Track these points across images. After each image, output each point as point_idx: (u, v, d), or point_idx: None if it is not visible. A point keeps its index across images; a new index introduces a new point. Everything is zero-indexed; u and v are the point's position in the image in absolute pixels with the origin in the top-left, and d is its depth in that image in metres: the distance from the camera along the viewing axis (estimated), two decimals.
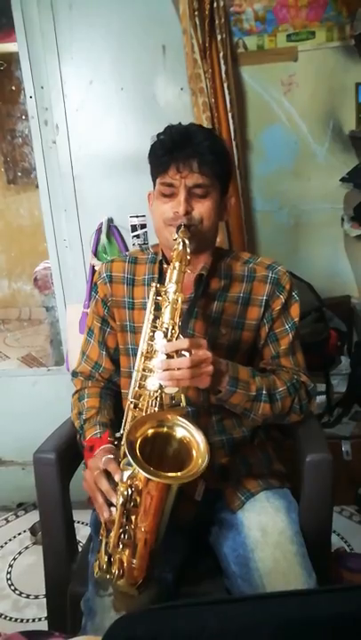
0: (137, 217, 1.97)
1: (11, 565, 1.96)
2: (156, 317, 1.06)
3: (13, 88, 2.37)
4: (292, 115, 1.98)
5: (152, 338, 1.05)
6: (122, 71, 1.89)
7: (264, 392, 1.13)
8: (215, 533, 1.19)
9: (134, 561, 0.94)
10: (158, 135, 1.17)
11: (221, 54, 1.81)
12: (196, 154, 1.10)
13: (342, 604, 0.73)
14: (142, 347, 1.07)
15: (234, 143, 1.86)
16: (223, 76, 1.82)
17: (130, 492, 0.93)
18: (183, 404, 1.02)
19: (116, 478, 0.98)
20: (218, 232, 1.25)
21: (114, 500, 0.98)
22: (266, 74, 1.94)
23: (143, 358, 1.06)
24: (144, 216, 1.96)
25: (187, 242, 1.08)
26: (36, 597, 1.80)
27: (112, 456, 1.05)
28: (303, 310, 1.27)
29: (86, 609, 1.05)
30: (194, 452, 0.93)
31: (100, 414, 1.22)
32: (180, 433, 0.97)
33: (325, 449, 1.19)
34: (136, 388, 1.06)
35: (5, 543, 2.08)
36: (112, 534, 0.97)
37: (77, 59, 1.88)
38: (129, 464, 0.97)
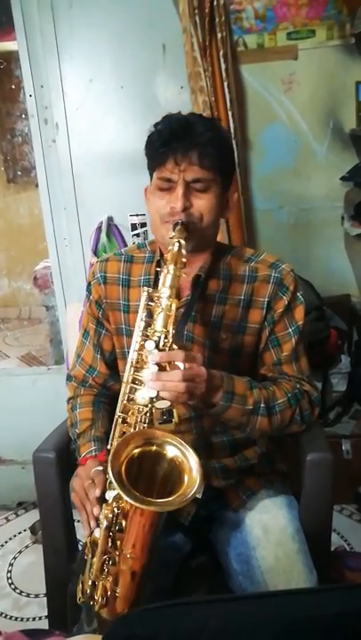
0: (137, 215, 1.97)
1: (11, 564, 1.96)
2: (148, 325, 0.98)
3: (13, 87, 2.37)
4: (292, 113, 1.98)
5: (142, 347, 0.97)
6: (122, 70, 1.89)
7: (262, 405, 1.07)
8: (216, 531, 1.18)
9: (118, 590, 0.88)
10: (155, 125, 1.08)
11: (221, 53, 1.81)
12: (197, 145, 1.02)
13: (344, 604, 0.73)
14: (132, 356, 0.99)
15: (234, 142, 1.85)
16: (223, 74, 1.82)
17: (115, 515, 0.87)
18: (175, 419, 0.93)
19: (97, 493, 0.94)
20: (218, 230, 1.17)
21: (95, 511, 0.94)
22: (266, 72, 1.94)
23: (133, 369, 0.99)
24: (144, 214, 1.96)
25: (182, 242, 0.99)
26: (37, 596, 1.80)
27: (101, 468, 1.01)
28: (305, 319, 1.19)
29: (85, 605, 1.05)
30: (185, 476, 0.87)
31: (94, 428, 1.16)
32: (171, 452, 0.90)
33: (326, 448, 1.18)
34: (125, 402, 0.99)
35: (6, 542, 2.08)
36: (95, 560, 0.91)
37: (77, 57, 1.88)
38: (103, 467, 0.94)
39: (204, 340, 1.13)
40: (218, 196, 1.08)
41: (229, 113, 1.84)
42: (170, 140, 1.03)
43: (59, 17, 1.84)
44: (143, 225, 1.98)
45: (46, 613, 1.34)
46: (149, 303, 1.00)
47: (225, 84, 1.82)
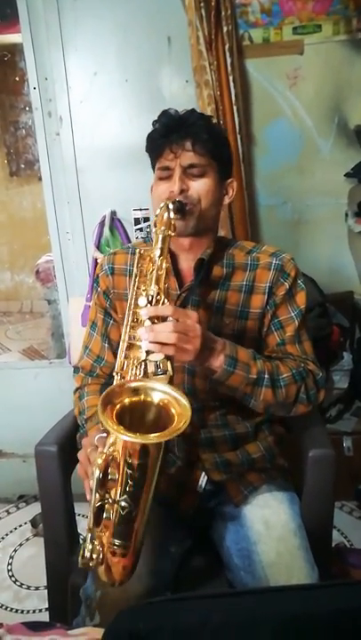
0: (140, 210, 1.96)
1: (12, 557, 1.97)
2: (141, 284, 1.02)
3: (17, 79, 2.36)
4: (297, 109, 1.97)
5: (137, 306, 0.99)
6: (126, 63, 1.87)
7: (266, 376, 1.08)
8: (217, 526, 1.19)
9: (116, 542, 0.86)
10: (153, 123, 1.16)
11: (227, 46, 1.79)
12: (190, 133, 1.10)
13: (344, 600, 0.73)
14: (127, 315, 1.01)
15: (238, 137, 1.85)
16: (229, 68, 1.81)
17: (107, 463, 0.85)
18: (170, 372, 0.93)
19: (100, 450, 0.92)
20: (219, 216, 1.21)
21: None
22: (271, 67, 1.93)
23: (129, 327, 1.01)
24: (147, 209, 1.95)
25: (170, 206, 1.04)
26: (37, 589, 1.81)
27: (105, 434, 1.00)
28: (307, 306, 1.23)
29: (84, 597, 1.06)
30: (173, 410, 0.85)
31: None
32: (157, 397, 0.88)
33: (328, 444, 1.19)
34: (122, 359, 0.99)
35: (6, 535, 2.09)
36: (89, 513, 0.87)
37: (82, 50, 1.87)
38: (105, 431, 0.91)
39: (207, 324, 1.15)
40: (215, 181, 1.14)
41: (234, 107, 1.83)
42: (166, 133, 1.12)
43: (63, 9, 1.83)
44: (146, 219, 1.98)
45: (46, 606, 1.35)
46: (142, 263, 1.05)
47: (230, 78, 1.81)
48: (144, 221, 1.98)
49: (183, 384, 1.17)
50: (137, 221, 1.98)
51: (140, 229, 1.99)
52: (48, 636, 0.80)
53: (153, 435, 0.81)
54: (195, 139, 1.10)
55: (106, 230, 1.97)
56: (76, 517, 1.34)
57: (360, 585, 0.76)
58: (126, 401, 0.87)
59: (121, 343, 1.01)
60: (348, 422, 2.08)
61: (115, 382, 0.99)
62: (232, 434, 1.20)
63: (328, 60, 1.91)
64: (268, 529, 1.08)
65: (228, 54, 1.80)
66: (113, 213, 1.97)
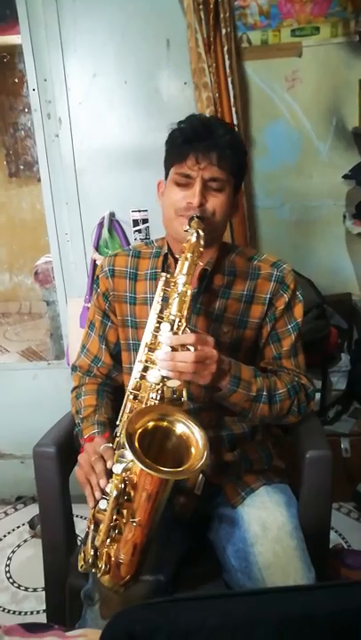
0: (139, 211, 1.97)
1: (9, 558, 1.97)
2: (163, 309, 1.04)
3: (16, 81, 2.36)
4: (295, 111, 1.97)
5: (157, 329, 1.02)
6: (125, 65, 1.88)
7: (264, 393, 1.11)
8: (215, 528, 1.19)
9: (122, 556, 0.93)
10: (179, 123, 1.14)
11: (226, 48, 1.80)
12: (217, 147, 1.08)
13: (342, 601, 0.73)
14: (147, 337, 1.04)
15: None
16: (227, 70, 1.81)
17: (124, 486, 0.91)
18: (185, 398, 1.00)
19: (108, 465, 0.97)
20: (225, 228, 1.23)
21: (102, 483, 0.97)
22: (269, 69, 1.93)
23: (147, 349, 1.04)
24: (146, 210, 1.96)
25: (201, 233, 1.05)
26: (35, 590, 1.81)
27: (111, 445, 1.05)
28: (304, 307, 1.25)
29: (86, 599, 1.06)
30: (193, 450, 0.92)
31: (98, 412, 1.20)
32: (179, 429, 0.95)
33: (325, 445, 1.19)
34: (137, 379, 1.04)
35: (4, 536, 2.09)
36: (102, 527, 0.95)
37: (81, 51, 1.87)
38: (123, 456, 0.96)
39: (205, 332, 1.15)
40: (230, 196, 1.14)
41: (233, 109, 1.84)
42: (192, 139, 1.09)
43: (63, 11, 1.83)
44: (145, 221, 1.98)
45: (44, 607, 1.35)
46: (166, 288, 1.05)
47: (229, 80, 1.81)
48: (143, 223, 1.98)
49: (174, 392, 1.18)
50: (135, 223, 1.99)
51: (139, 231, 1.99)
52: (46, 638, 0.81)
53: (171, 470, 0.87)
54: (221, 153, 1.08)
55: (104, 232, 1.97)
56: (74, 519, 1.34)
57: (358, 586, 0.76)
58: (150, 425, 0.94)
59: (137, 363, 1.05)
60: (346, 424, 2.08)
61: (127, 399, 1.06)
62: (229, 435, 1.20)
63: (326, 63, 1.92)
64: (265, 530, 1.09)
65: (226, 56, 1.81)
66: (112, 215, 1.98)
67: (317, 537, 1.17)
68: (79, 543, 1.34)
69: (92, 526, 1.00)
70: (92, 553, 0.95)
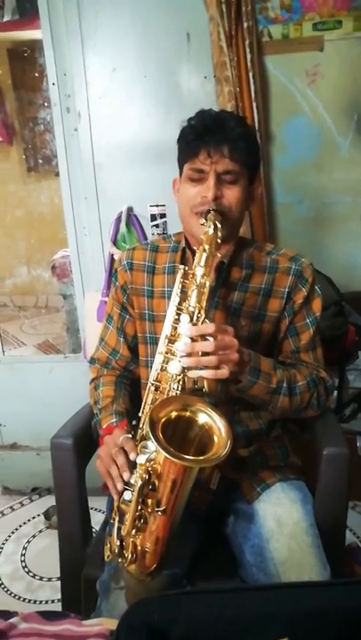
0: (157, 206, 1.97)
1: (25, 548, 2.00)
2: (182, 301, 1.04)
3: (36, 75, 2.37)
4: (315, 106, 1.95)
5: (177, 321, 1.03)
6: (145, 59, 1.88)
7: (284, 385, 1.11)
8: (230, 523, 1.19)
9: (148, 545, 0.94)
10: (189, 120, 1.15)
11: (247, 42, 1.78)
12: (228, 140, 1.08)
13: (356, 597, 0.73)
14: (167, 329, 1.05)
15: (258, 134, 1.84)
16: (248, 64, 1.80)
17: (148, 476, 0.92)
18: (206, 389, 1.00)
19: (132, 457, 0.98)
20: (243, 221, 1.22)
21: (126, 476, 0.98)
22: (290, 64, 1.91)
23: (167, 341, 1.04)
24: (164, 205, 1.96)
25: (218, 225, 1.06)
26: (50, 580, 1.83)
27: (130, 435, 1.05)
28: (323, 304, 1.25)
29: (102, 590, 1.07)
30: (215, 439, 0.92)
31: (116, 403, 1.22)
32: (202, 419, 0.95)
33: (343, 443, 1.18)
34: (158, 371, 1.05)
35: (20, 526, 2.11)
36: (127, 517, 0.96)
37: (101, 46, 1.87)
38: (146, 447, 0.97)
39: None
40: (245, 188, 1.14)
41: (254, 104, 1.83)
42: (203, 134, 1.09)
43: (83, 5, 1.83)
44: (163, 216, 1.98)
45: (58, 597, 1.36)
46: (184, 280, 1.05)
47: (250, 74, 1.80)
48: (160, 218, 1.98)
49: (195, 382, 1.18)
50: (153, 217, 1.99)
51: (157, 225, 1.99)
52: (62, 626, 0.81)
53: (194, 458, 0.88)
54: (232, 146, 1.09)
55: (122, 226, 1.98)
56: (90, 511, 1.35)
57: None
58: (173, 414, 0.94)
59: (157, 355, 1.06)
60: None
61: (148, 391, 1.06)
62: (245, 430, 1.20)
63: (348, 57, 1.89)
64: (281, 526, 1.09)
65: (248, 50, 1.79)
66: (130, 209, 1.98)
67: (333, 534, 1.17)
68: (94, 535, 1.35)
69: (116, 517, 1.01)
70: (118, 543, 0.96)
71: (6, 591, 1.80)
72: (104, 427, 1.17)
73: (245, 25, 1.78)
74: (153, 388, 1.06)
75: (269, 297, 1.19)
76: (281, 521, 1.09)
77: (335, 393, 2.00)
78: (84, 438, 1.28)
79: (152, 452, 0.93)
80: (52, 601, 1.74)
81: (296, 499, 1.14)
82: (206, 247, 1.04)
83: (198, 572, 1.14)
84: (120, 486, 0.98)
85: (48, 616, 0.84)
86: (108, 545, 1.00)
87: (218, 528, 1.22)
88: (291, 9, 1.88)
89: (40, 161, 3.26)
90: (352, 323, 1.99)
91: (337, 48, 1.89)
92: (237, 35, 1.78)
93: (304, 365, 1.21)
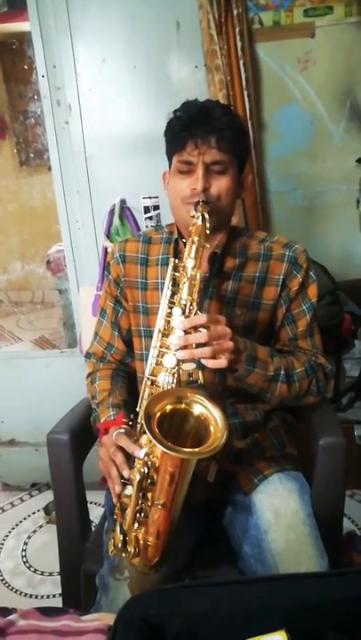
0: (150, 198, 1.95)
1: (25, 543, 2.00)
2: (174, 294, 1.03)
3: (25, 67, 2.35)
4: (307, 93, 1.93)
5: (169, 314, 1.03)
6: (135, 49, 1.85)
7: (282, 372, 1.11)
8: (228, 515, 1.19)
9: (150, 539, 0.94)
10: (175, 112, 1.13)
11: (237, 30, 1.76)
12: (215, 130, 1.08)
13: (354, 587, 0.73)
14: (160, 323, 1.05)
15: (250, 122, 1.82)
16: (239, 52, 1.78)
17: (147, 469, 0.92)
18: (201, 380, 1.00)
19: (135, 453, 0.97)
20: (235, 210, 1.22)
21: (125, 474, 0.98)
22: (282, 51, 1.89)
23: (160, 335, 1.04)
24: (157, 197, 1.94)
25: (206, 216, 1.05)
26: (50, 574, 1.84)
27: (122, 430, 1.05)
28: (318, 293, 1.24)
29: (101, 584, 1.07)
30: (212, 429, 0.92)
31: (113, 396, 1.21)
32: (197, 410, 0.95)
33: (339, 432, 1.18)
34: (153, 365, 1.04)
35: (20, 522, 2.12)
36: (128, 512, 0.96)
37: (90, 37, 1.85)
38: (144, 441, 0.98)
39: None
40: (234, 177, 1.13)
41: (245, 92, 1.81)
42: (189, 125, 1.09)
43: None
44: (156, 208, 1.97)
45: (59, 591, 1.37)
46: (175, 273, 1.05)
47: (241, 62, 1.78)
48: (154, 209, 1.97)
49: (190, 375, 1.18)
50: (147, 210, 1.97)
51: (150, 218, 1.98)
52: (61, 622, 0.81)
53: (190, 450, 0.88)
54: (219, 136, 1.08)
55: (116, 219, 1.96)
56: (88, 505, 1.35)
57: None
58: (168, 408, 0.94)
59: (152, 349, 1.05)
60: (360, 411, 2.06)
61: (145, 385, 1.06)
62: (242, 422, 1.20)
63: (340, 43, 1.87)
64: (278, 517, 1.09)
65: (238, 38, 1.77)
66: (122, 202, 1.97)
67: (331, 524, 1.17)
68: (93, 529, 1.35)
69: (119, 513, 1.01)
70: (121, 538, 0.97)
71: (8, 587, 1.80)
72: (102, 421, 1.17)
73: (235, 12, 1.75)
74: (149, 383, 1.05)
75: (264, 285, 1.19)
76: (278, 512, 1.09)
77: (332, 382, 2.00)
78: (81, 433, 1.28)
79: (150, 445, 0.93)
80: (54, 595, 1.75)
81: (293, 489, 1.14)
82: (195, 239, 1.03)
83: (197, 565, 1.15)
84: (118, 489, 0.99)
85: (47, 612, 0.84)
86: (112, 540, 1.01)
87: (216, 520, 1.22)
88: None
89: (32, 155, 3.25)
90: (348, 311, 1.99)
91: (328, 34, 1.87)
92: (227, 22, 1.76)
93: (302, 352, 1.20)
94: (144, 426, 0.88)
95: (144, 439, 0.99)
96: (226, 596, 0.68)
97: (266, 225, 2.00)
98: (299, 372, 1.14)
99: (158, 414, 0.92)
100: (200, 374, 1.00)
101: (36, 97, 2.16)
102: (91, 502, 1.37)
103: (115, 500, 1.02)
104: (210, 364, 0.96)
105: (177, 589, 0.70)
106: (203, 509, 1.16)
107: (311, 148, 1.98)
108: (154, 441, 0.86)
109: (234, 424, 1.19)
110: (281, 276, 1.18)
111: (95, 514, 1.76)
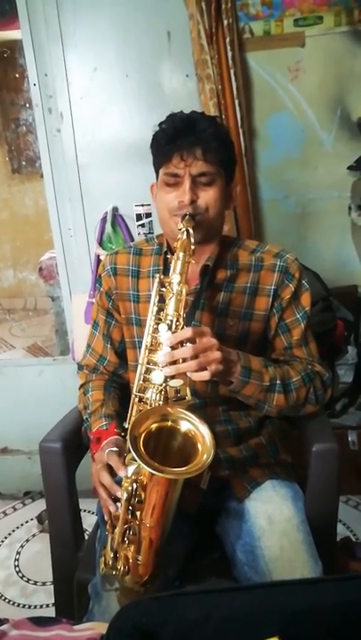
0: (142, 206, 1.96)
1: (18, 552, 1.98)
2: (161, 310, 1.03)
3: (17, 76, 2.35)
4: (298, 102, 1.95)
5: (156, 330, 1.02)
6: (126, 58, 1.87)
7: (278, 382, 1.10)
8: (221, 522, 1.19)
9: (139, 557, 0.93)
10: (160, 124, 1.13)
11: (228, 40, 1.78)
12: (200, 141, 1.08)
13: (348, 594, 0.73)
14: (146, 340, 1.04)
15: (241, 131, 1.84)
16: (230, 62, 1.80)
17: (134, 488, 0.91)
18: (188, 397, 0.99)
19: (120, 473, 0.97)
20: (224, 221, 1.22)
21: (118, 494, 0.97)
22: (272, 60, 1.91)
23: (147, 351, 1.04)
24: (149, 205, 1.95)
25: (191, 231, 1.05)
26: (44, 584, 1.82)
27: (115, 449, 1.04)
28: (311, 305, 1.24)
29: (93, 593, 1.06)
30: (199, 446, 0.91)
31: (105, 406, 1.21)
32: (184, 426, 0.94)
33: (332, 439, 1.18)
34: (141, 382, 1.04)
35: (13, 531, 2.10)
36: (116, 530, 0.95)
37: (81, 46, 1.86)
38: (133, 459, 0.96)
39: (212, 327, 1.15)
40: (222, 188, 1.13)
41: (236, 101, 1.82)
42: (175, 138, 1.08)
43: (62, 5, 1.82)
44: (148, 215, 1.97)
45: (53, 601, 1.35)
46: (161, 289, 1.05)
47: (232, 71, 1.80)
48: (146, 217, 1.98)
49: (178, 391, 1.17)
50: (139, 217, 1.98)
51: (143, 225, 1.99)
52: (54, 631, 0.81)
53: (178, 470, 0.87)
54: (205, 147, 1.08)
55: (108, 226, 1.97)
56: (82, 513, 1.34)
57: None
58: (153, 427, 0.93)
59: (139, 366, 1.05)
60: (353, 416, 2.07)
61: (133, 402, 1.05)
62: (235, 429, 1.20)
63: (330, 52, 1.90)
64: (272, 524, 1.08)
65: (228, 48, 1.79)
66: (115, 209, 1.97)
67: (325, 530, 1.17)
68: (86, 537, 1.35)
69: (110, 529, 1.00)
70: (112, 555, 0.96)
71: (0, 597, 1.78)
72: (94, 430, 1.16)
73: (226, 22, 1.77)
74: (137, 400, 1.05)
75: (256, 295, 1.18)
76: (272, 519, 1.09)
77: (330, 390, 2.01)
78: (74, 441, 1.27)
79: (138, 464, 0.92)
80: (47, 605, 1.73)
81: (287, 496, 1.13)
82: (180, 254, 1.03)
83: (191, 572, 1.14)
84: (112, 508, 0.98)
85: (39, 622, 0.83)
86: (103, 557, 1.00)
87: (210, 527, 1.21)
88: (272, 5, 1.88)
89: (24, 162, 3.25)
90: (340, 318, 2.00)
91: (318, 43, 1.89)
92: (218, 32, 1.78)
93: (298, 361, 1.20)
94: (130, 448, 0.88)
95: (134, 457, 0.98)
96: (219, 603, 0.68)
97: (258, 232, 2.01)
98: (295, 381, 1.13)
99: (144, 434, 0.91)
100: (187, 390, 0.99)
101: (27, 105, 2.16)
102: (84, 510, 1.36)
103: (106, 517, 1.02)
104: (194, 376, 0.96)
105: (170, 597, 0.70)
106: (196, 517, 1.15)
107: (302, 155, 2.00)
108: (140, 462, 0.86)
109: (227, 431, 1.19)
110: (272, 287, 1.17)
111: (88, 522, 1.74)
